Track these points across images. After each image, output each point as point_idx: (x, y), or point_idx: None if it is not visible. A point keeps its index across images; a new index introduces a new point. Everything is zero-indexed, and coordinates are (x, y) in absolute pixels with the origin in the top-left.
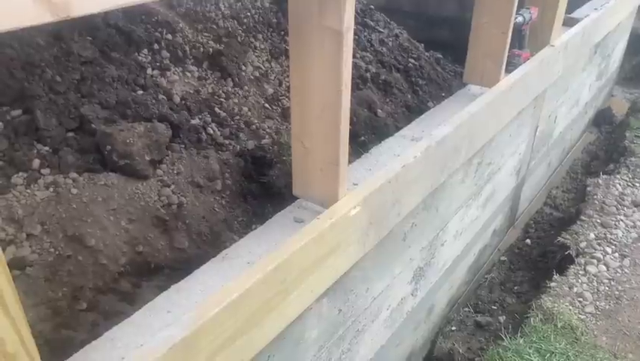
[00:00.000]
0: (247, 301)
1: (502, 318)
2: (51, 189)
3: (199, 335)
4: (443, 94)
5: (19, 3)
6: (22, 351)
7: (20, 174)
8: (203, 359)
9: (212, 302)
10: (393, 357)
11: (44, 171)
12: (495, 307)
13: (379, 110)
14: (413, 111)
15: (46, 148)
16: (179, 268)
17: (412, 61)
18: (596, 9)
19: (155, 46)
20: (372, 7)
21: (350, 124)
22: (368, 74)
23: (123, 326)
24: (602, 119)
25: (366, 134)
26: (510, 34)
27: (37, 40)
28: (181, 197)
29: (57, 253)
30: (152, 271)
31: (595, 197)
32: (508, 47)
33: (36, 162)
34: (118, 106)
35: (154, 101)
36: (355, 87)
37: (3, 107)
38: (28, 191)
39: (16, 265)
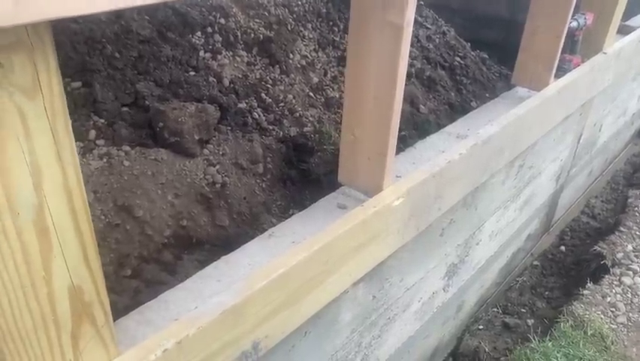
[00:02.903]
0: (291, 278)
1: (530, 321)
2: (104, 160)
3: (247, 304)
4: (487, 94)
5: None
6: (97, 301)
7: (77, 143)
8: (250, 327)
9: (259, 275)
10: (420, 349)
11: (99, 142)
12: (524, 310)
13: (422, 106)
14: (455, 110)
15: (102, 120)
16: (219, 244)
17: (458, 59)
18: None
19: (209, 29)
20: (421, 2)
21: None
22: (413, 70)
23: (175, 291)
24: None
25: (407, 129)
26: (563, 38)
27: (99, 16)
28: (225, 177)
29: (107, 220)
30: (194, 245)
31: (636, 209)
32: (560, 51)
33: (92, 133)
34: (171, 85)
35: (205, 82)
36: None
37: (65, 78)
38: (84, 160)
39: None
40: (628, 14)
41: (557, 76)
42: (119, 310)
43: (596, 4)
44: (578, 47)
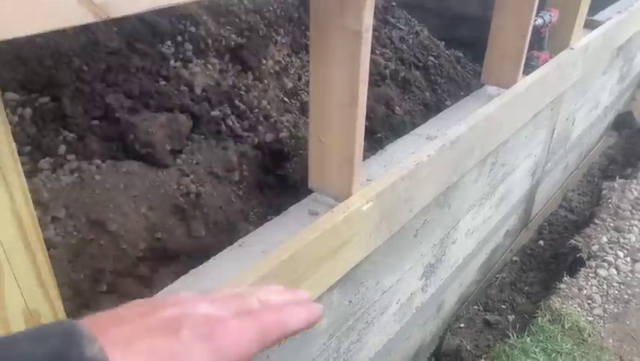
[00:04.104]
0: None
1: (511, 317)
2: (76, 175)
3: None
4: (462, 93)
5: (65, 5)
6: None
7: (47, 159)
8: None
9: (227, 288)
10: (402, 351)
11: (70, 157)
12: (504, 307)
13: (397, 108)
14: (431, 110)
15: (72, 135)
16: (195, 255)
17: (432, 59)
18: (619, 12)
19: (179, 38)
20: (393, 3)
21: (367, 120)
22: (387, 71)
23: None
24: (622, 123)
25: (383, 130)
26: (529, 36)
27: (65, 30)
28: (199, 187)
29: (80, 236)
30: (170, 258)
31: (610, 201)
32: (526, 49)
33: (62, 148)
34: (141, 96)
35: (176, 92)
36: (374, 84)
37: (32, 94)
38: (54, 175)
39: None
40: (596, 8)
41: (526, 73)
42: None
43: (561, 1)
44: (545, 43)
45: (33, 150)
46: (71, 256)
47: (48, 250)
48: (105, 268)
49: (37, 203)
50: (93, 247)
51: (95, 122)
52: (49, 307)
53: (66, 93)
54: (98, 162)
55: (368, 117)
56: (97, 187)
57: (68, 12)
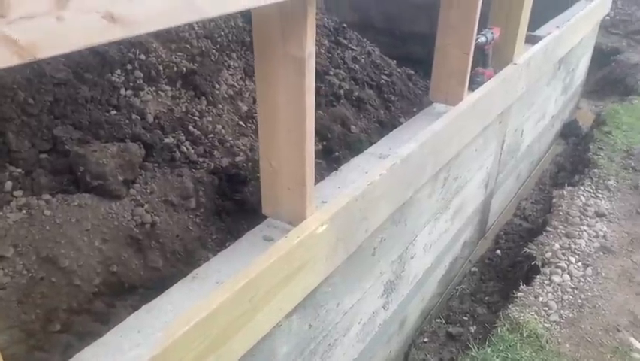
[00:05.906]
0: (215, 320)
1: (472, 328)
2: (24, 211)
3: (168, 354)
4: (415, 109)
5: None
6: None
7: None
8: None
9: (180, 322)
10: None
11: (17, 193)
12: (466, 318)
13: (353, 126)
14: (385, 127)
15: (19, 170)
16: (153, 287)
17: (385, 77)
18: (558, 26)
19: (129, 66)
20: (344, 25)
21: (324, 140)
22: (341, 91)
23: (94, 347)
24: (568, 131)
25: (340, 150)
26: (472, 54)
27: None
28: (155, 216)
29: (30, 275)
30: (127, 291)
31: (560, 208)
32: (470, 66)
33: (8, 184)
34: (91, 127)
35: (127, 120)
36: (329, 104)
37: None
38: (0, 213)
39: None
40: (536, 24)
41: (472, 89)
42: None
43: (501, 19)
44: (489, 59)
45: None
46: (21, 296)
47: None
48: (58, 306)
49: None
50: (44, 286)
51: (43, 155)
52: None
53: (11, 128)
54: (48, 196)
55: (324, 137)
56: (47, 223)
57: None
